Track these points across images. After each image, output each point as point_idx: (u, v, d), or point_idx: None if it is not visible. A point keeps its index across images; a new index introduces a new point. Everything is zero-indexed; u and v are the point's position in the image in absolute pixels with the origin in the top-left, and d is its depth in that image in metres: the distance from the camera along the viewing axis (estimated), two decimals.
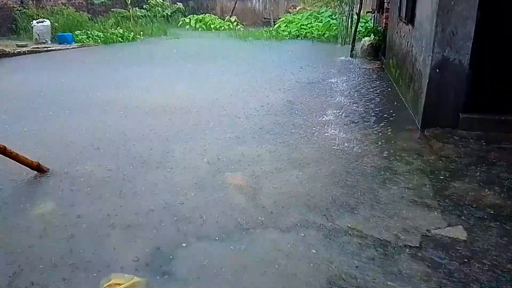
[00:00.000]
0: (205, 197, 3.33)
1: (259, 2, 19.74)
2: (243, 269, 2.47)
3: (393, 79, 7.24)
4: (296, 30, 14.57)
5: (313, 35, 13.93)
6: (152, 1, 18.70)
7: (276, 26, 15.67)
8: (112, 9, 16.74)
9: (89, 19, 14.88)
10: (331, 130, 4.84)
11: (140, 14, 17.17)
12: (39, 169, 3.64)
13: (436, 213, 3.05)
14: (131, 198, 3.31)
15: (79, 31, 13.43)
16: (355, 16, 11.08)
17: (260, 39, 14.03)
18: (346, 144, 4.40)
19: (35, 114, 5.60)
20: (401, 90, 6.36)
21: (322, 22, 14.55)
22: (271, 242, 2.73)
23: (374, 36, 9.80)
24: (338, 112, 5.54)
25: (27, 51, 11.15)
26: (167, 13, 18.94)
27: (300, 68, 8.85)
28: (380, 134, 4.68)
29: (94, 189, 3.46)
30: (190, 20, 18.47)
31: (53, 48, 11.72)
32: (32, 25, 12.67)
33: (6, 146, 3.37)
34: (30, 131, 4.91)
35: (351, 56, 10.05)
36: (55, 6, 14.98)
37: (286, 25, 15.24)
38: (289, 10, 17.56)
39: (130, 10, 16.15)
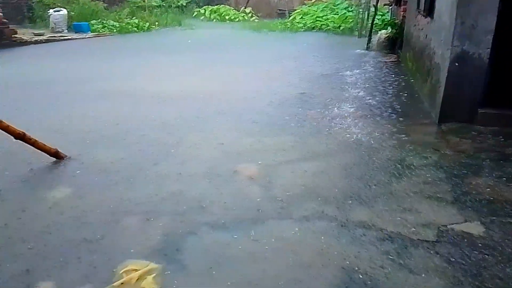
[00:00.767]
0: (218, 186, 3.34)
1: None
2: (255, 259, 2.47)
3: (409, 73, 7.14)
4: (312, 22, 14.46)
5: (328, 27, 13.81)
6: None
7: (291, 17, 15.57)
8: None
9: (104, 9, 14.96)
10: (345, 123, 4.80)
11: (155, 4, 17.22)
12: (57, 156, 3.69)
13: (452, 208, 3.01)
14: (144, 186, 3.33)
15: (95, 21, 13.53)
16: (372, 9, 10.95)
17: (274, 30, 13.96)
18: (360, 137, 4.36)
19: (51, 102, 5.67)
20: (417, 83, 6.28)
21: (338, 14, 14.41)
22: (285, 233, 2.72)
23: (391, 28, 9.67)
24: (353, 105, 5.50)
25: (44, 39, 11.28)
26: (182, 4, 18.96)
27: (314, 60, 8.79)
28: (396, 127, 4.63)
29: (109, 176, 3.49)
30: (205, 10, 18.47)
31: (69, 37, 11.83)
32: (48, 14, 12.78)
33: (25, 133, 3.42)
34: (46, 118, 4.97)
35: (367, 48, 9.95)
36: None
37: (301, 17, 15.14)
38: (305, 1, 17.39)
39: (146, 0, 16.18)
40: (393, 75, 7.23)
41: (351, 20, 13.30)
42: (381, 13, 12.46)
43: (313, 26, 14.26)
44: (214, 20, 17.75)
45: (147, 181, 3.41)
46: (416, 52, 6.73)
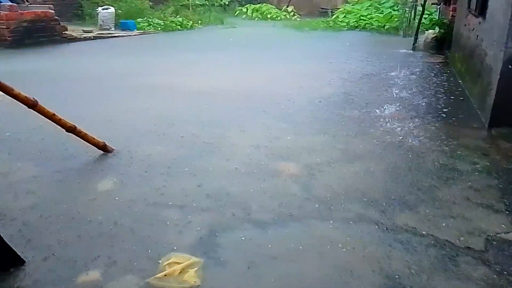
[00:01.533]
0: (259, 184, 3.35)
1: None
2: (296, 259, 2.46)
3: (458, 74, 6.88)
4: (355, 21, 14.23)
5: (372, 27, 13.53)
6: None
7: (334, 16, 15.37)
8: None
9: (150, 7, 15.32)
10: (389, 124, 4.69)
11: (198, 3, 17.46)
12: (105, 149, 3.82)
13: (503, 216, 2.88)
14: (186, 181, 3.39)
15: (141, 19, 13.88)
16: (419, 7, 10.64)
17: (316, 29, 13.84)
18: (405, 139, 4.25)
19: (99, 96, 5.89)
20: (467, 85, 6.04)
21: (383, 13, 14.10)
22: (326, 234, 2.69)
23: (439, 28, 9.34)
24: (398, 106, 5.36)
25: (92, 36, 11.70)
26: (224, 2, 19.13)
27: (357, 59, 8.65)
28: (443, 130, 4.48)
29: (152, 170, 3.57)
30: (247, 9, 18.57)
31: (116, 35, 12.21)
32: (97, 11, 13.24)
33: (76, 126, 3.56)
34: (94, 111, 5.16)
35: (413, 49, 9.68)
36: None
37: (344, 16, 14.93)
38: (348, 0, 17.12)
39: None
40: (441, 76, 6.99)
41: (396, 19, 12.97)
42: (428, 12, 12.07)
43: (356, 25, 14.01)
44: (256, 18, 17.80)
45: (189, 176, 3.47)
46: (465, 53, 6.47)
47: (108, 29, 12.76)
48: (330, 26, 14.13)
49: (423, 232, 2.69)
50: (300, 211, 2.95)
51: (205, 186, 3.32)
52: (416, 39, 9.82)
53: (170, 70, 7.74)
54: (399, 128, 4.56)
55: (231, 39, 11.94)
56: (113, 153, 3.88)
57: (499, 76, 4.36)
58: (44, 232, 2.71)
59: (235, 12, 18.63)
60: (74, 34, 11.44)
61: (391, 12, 13.87)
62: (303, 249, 2.54)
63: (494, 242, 2.60)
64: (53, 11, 10.91)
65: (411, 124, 4.70)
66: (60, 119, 3.49)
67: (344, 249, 2.54)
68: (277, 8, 18.79)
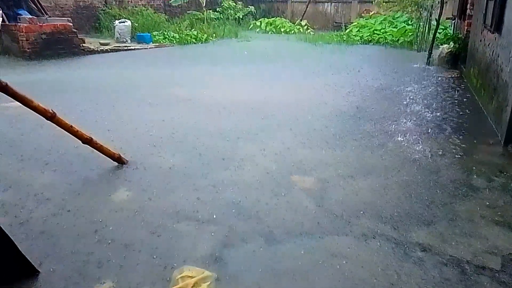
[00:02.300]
0: (273, 197, 3.35)
1: (331, 5, 19.54)
2: (308, 275, 2.44)
3: (473, 89, 6.83)
4: (369, 35, 14.23)
5: (386, 41, 13.52)
6: (225, 4, 19.19)
7: (348, 30, 15.41)
8: (187, 11, 17.40)
9: (166, 20, 15.57)
10: (404, 139, 4.66)
11: (213, 16, 17.69)
12: (119, 160, 3.87)
13: None
14: (200, 193, 3.41)
15: (157, 32, 14.11)
16: (433, 22, 10.62)
17: (330, 43, 13.88)
18: (420, 154, 4.22)
19: (115, 106, 5.97)
20: (482, 101, 5.98)
21: (397, 28, 14.08)
22: (340, 249, 2.68)
23: (454, 43, 9.30)
24: (412, 121, 5.33)
25: (109, 49, 11.91)
26: (239, 16, 19.34)
27: (371, 73, 8.64)
28: (458, 146, 4.43)
29: (167, 182, 3.61)
30: (261, 23, 18.73)
31: (132, 47, 12.41)
32: (114, 24, 13.50)
33: (92, 138, 3.62)
34: (110, 122, 5.24)
35: (428, 63, 9.63)
36: (136, 7, 15.87)
37: (358, 30, 14.95)
38: (362, 14, 17.18)
39: (204, 12, 16.67)
40: (456, 91, 6.94)
41: (410, 34, 12.94)
42: (442, 27, 12.04)
43: (370, 39, 14.02)
44: (270, 32, 17.93)
45: (203, 188, 3.49)
46: (481, 68, 6.43)
47: (124, 42, 12.98)
48: (344, 40, 14.16)
49: (438, 250, 2.66)
50: (314, 226, 2.94)
51: (218, 198, 3.33)
52: (430, 53, 9.77)
53: (185, 82, 7.83)
54: (414, 143, 4.53)
55: (246, 52, 12.04)
56: (128, 165, 3.93)
57: None
58: (59, 242, 2.75)
59: (249, 26, 18.80)
60: (92, 47, 11.66)
61: (405, 26, 13.84)
62: (316, 265, 2.53)
63: (511, 261, 2.55)
64: (71, 24, 11.16)
65: (426, 139, 4.67)
66: (77, 131, 3.55)
67: (357, 266, 2.51)
68: (291, 22, 18.92)
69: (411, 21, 13.53)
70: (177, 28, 14.79)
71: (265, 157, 4.17)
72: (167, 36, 13.89)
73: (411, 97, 6.61)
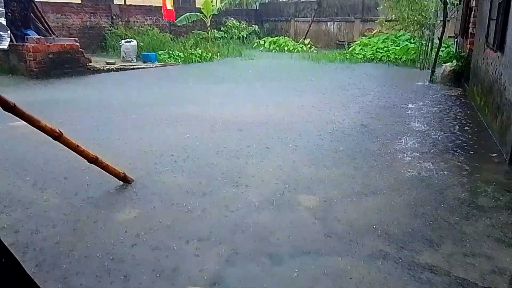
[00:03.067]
0: (277, 216, 3.34)
1: (333, 24, 19.79)
2: None
3: (477, 107, 6.84)
4: (372, 53, 14.37)
5: (389, 59, 13.64)
6: (229, 23, 19.48)
7: (351, 48, 15.56)
8: (192, 31, 17.66)
9: (171, 40, 15.81)
10: (408, 158, 4.66)
11: (218, 35, 17.95)
12: (125, 180, 3.88)
13: None
14: (206, 212, 3.41)
15: (162, 51, 14.30)
16: (436, 40, 10.71)
17: (333, 61, 14.00)
18: (425, 173, 4.21)
19: (121, 125, 6.02)
20: (486, 119, 5.99)
21: (399, 46, 14.22)
22: (344, 270, 2.65)
23: (457, 61, 9.36)
24: (416, 139, 5.34)
25: (115, 68, 12.08)
26: (243, 35, 19.61)
27: (375, 91, 8.69)
28: (463, 165, 4.42)
29: (172, 201, 3.61)
30: (264, 41, 18.97)
31: (138, 66, 12.58)
32: (120, 44, 13.72)
33: (98, 157, 3.64)
34: (116, 140, 5.28)
35: (431, 81, 9.68)
36: (142, 27, 16.15)
37: (361, 48, 15.10)
38: (365, 33, 17.37)
39: (209, 31, 16.90)
40: (460, 109, 6.96)
41: (413, 52, 13.05)
42: (445, 45, 12.14)
43: (373, 57, 14.15)
44: (274, 50, 18.14)
45: (209, 208, 3.49)
46: (484, 86, 6.45)
47: (130, 61, 13.17)
48: (347, 58, 14.29)
49: (444, 271, 2.63)
50: (318, 246, 2.93)
51: (223, 217, 3.33)
52: (433, 71, 9.84)
53: (190, 100, 7.90)
54: (419, 162, 4.53)
55: (250, 71, 12.16)
56: (133, 184, 3.94)
57: None
58: (63, 263, 2.74)
59: (253, 45, 19.04)
60: (98, 66, 11.83)
61: (407, 44, 13.97)
62: (320, 285, 2.50)
63: None
64: (78, 44, 11.35)
65: (431, 157, 4.66)
66: (83, 150, 3.58)
67: (362, 287, 2.49)
68: (294, 40, 19.15)
69: (413, 40, 13.66)
70: (182, 47, 15.01)
71: (269, 175, 4.17)
72: (172, 55, 14.09)
73: (416, 115, 6.63)
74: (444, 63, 10.19)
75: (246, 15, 21.76)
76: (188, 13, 16.40)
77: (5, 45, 10.70)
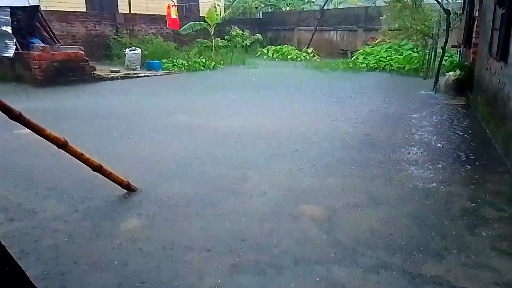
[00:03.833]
0: (280, 227, 3.33)
1: (336, 33, 19.89)
2: None
3: (481, 117, 6.84)
4: (375, 62, 14.42)
5: (392, 68, 13.67)
6: (233, 32, 19.59)
7: (354, 57, 15.61)
8: (196, 39, 17.76)
9: (175, 48, 15.90)
10: (412, 168, 4.65)
11: (221, 44, 18.04)
12: (128, 188, 3.89)
13: None
14: (208, 222, 3.40)
15: (166, 59, 14.39)
16: (439, 50, 10.73)
17: (336, 70, 14.04)
18: (429, 184, 4.19)
19: (124, 133, 6.04)
20: (490, 129, 5.98)
21: (402, 55, 14.26)
22: (348, 281, 2.64)
23: (460, 71, 9.37)
24: (420, 149, 5.33)
25: (119, 76, 12.15)
26: (246, 44, 19.72)
27: (378, 100, 8.69)
28: (468, 175, 4.41)
29: (175, 210, 3.60)
30: (268, 50, 19.06)
31: (142, 75, 12.65)
32: (124, 52, 13.81)
33: (102, 165, 3.65)
34: (120, 149, 5.29)
35: (434, 90, 9.69)
36: (146, 35, 16.26)
37: (364, 57, 15.16)
38: (368, 42, 17.43)
39: (213, 40, 17.00)
40: (463, 119, 6.95)
41: (416, 61, 13.08)
42: (448, 55, 12.16)
43: (376, 66, 14.19)
44: (277, 59, 18.22)
45: (210, 218, 3.48)
46: (488, 96, 6.45)
47: (134, 69, 13.25)
48: (350, 67, 14.33)
49: (450, 283, 2.61)
50: (322, 257, 2.91)
51: (226, 228, 3.32)
52: (436, 81, 9.85)
53: (193, 109, 7.92)
54: (422, 172, 4.51)
55: (253, 79, 12.21)
56: (137, 192, 3.94)
57: None
58: (67, 273, 2.74)
59: (257, 53, 19.13)
60: (102, 74, 11.91)
61: (411, 54, 14.01)
62: None
63: None
64: (82, 52, 11.43)
65: (435, 168, 4.65)
66: (88, 158, 3.60)
67: None
68: (297, 49, 19.22)
69: (416, 49, 13.70)
70: (186, 56, 15.10)
71: (272, 185, 4.16)
72: (176, 64, 14.17)
73: (419, 125, 6.62)
74: (448, 72, 10.20)
75: (249, 24, 21.90)
76: (192, 22, 16.52)
77: (10, 53, 10.81)
